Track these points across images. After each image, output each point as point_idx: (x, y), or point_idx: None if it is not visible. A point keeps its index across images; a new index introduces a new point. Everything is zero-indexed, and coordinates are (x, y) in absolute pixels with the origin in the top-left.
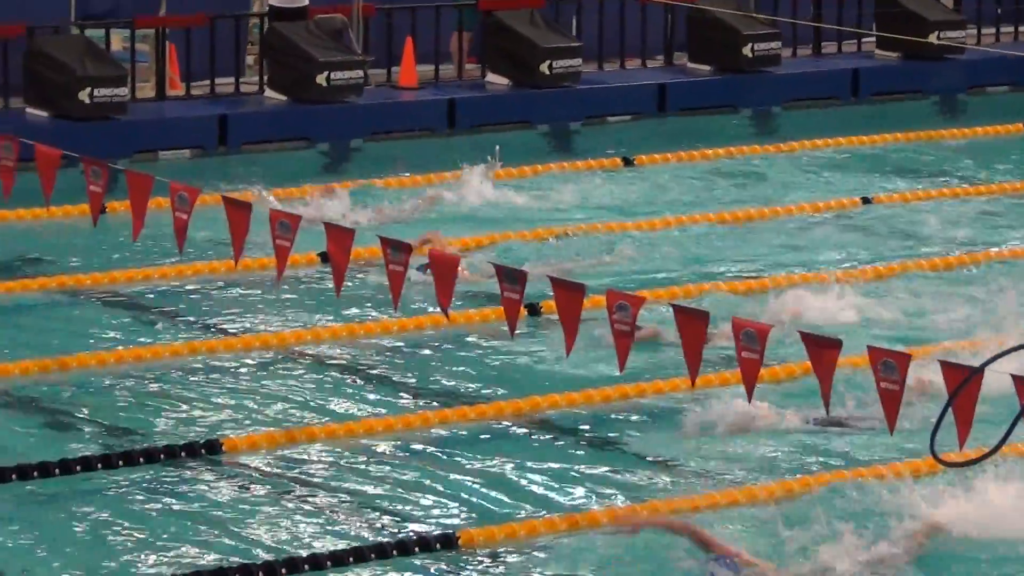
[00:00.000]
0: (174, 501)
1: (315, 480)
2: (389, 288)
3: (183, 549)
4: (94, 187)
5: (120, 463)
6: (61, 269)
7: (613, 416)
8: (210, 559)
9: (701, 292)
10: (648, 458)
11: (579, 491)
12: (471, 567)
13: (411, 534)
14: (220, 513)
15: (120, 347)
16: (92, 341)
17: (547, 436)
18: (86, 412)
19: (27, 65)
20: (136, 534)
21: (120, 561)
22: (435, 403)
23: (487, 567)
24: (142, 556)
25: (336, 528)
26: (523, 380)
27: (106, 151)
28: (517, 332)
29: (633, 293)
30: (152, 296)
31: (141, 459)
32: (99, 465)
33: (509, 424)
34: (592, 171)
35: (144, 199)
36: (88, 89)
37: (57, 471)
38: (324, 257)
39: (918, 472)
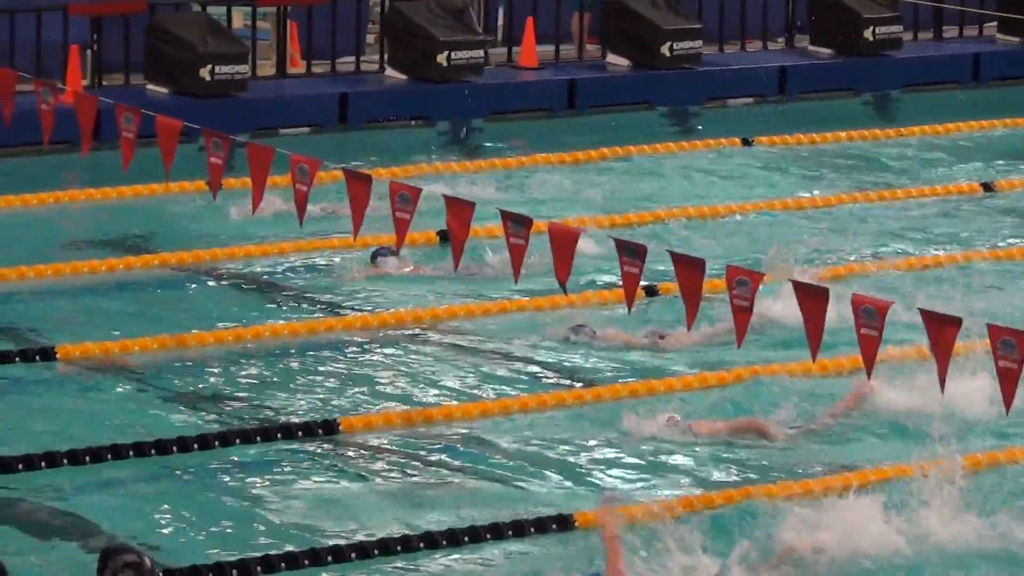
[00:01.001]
0: (290, 480)
1: (432, 460)
2: (510, 262)
3: (299, 527)
4: (215, 159)
5: (237, 441)
6: (179, 245)
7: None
8: (326, 538)
9: (815, 271)
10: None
11: (710, 471)
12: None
13: (526, 515)
14: (335, 493)
15: (238, 325)
16: (211, 319)
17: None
18: (203, 390)
19: (148, 42)
20: (255, 511)
21: (238, 537)
22: (553, 382)
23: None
24: (259, 532)
25: (450, 508)
26: (642, 361)
27: (226, 128)
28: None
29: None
30: (271, 273)
31: (258, 438)
32: (216, 443)
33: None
34: (711, 152)
35: (264, 172)
36: (209, 66)
37: (175, 448)
38: (443, 236)
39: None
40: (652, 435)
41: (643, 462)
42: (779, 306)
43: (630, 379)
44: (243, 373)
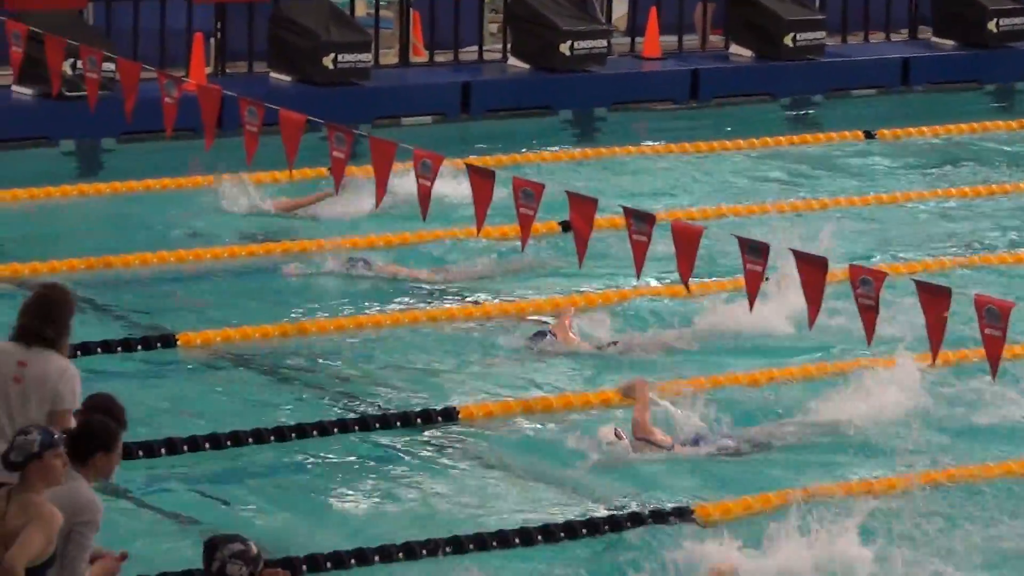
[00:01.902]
0: (410, 468)
1: (549, 450)
2: (633, 256)
3: (418, 515)
4: (337, 153)
5: (356, 428)
6: (301, 235)
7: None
8: (442, 528)
9: (939, 267)
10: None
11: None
12: (708, 539)
13: (644, 508)
14: (455, 481)
15: (359, 313)
16: (331, 307)
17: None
18: (323, 377)
19: (272, 30)
20: (373, 499)
21: (357, 525)
22: (668, 374)
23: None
24: (380, 521)
25: (564, 499)
26: (760, 347)
27: (348, 117)
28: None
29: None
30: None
31: (377, 424)
32: (335, 430)
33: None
34: (833, 144)
35: (387, 166)
36: (332, 55)
37: (293, 435)
38: (565, 226)
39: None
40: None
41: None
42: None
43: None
44: (364, 361)
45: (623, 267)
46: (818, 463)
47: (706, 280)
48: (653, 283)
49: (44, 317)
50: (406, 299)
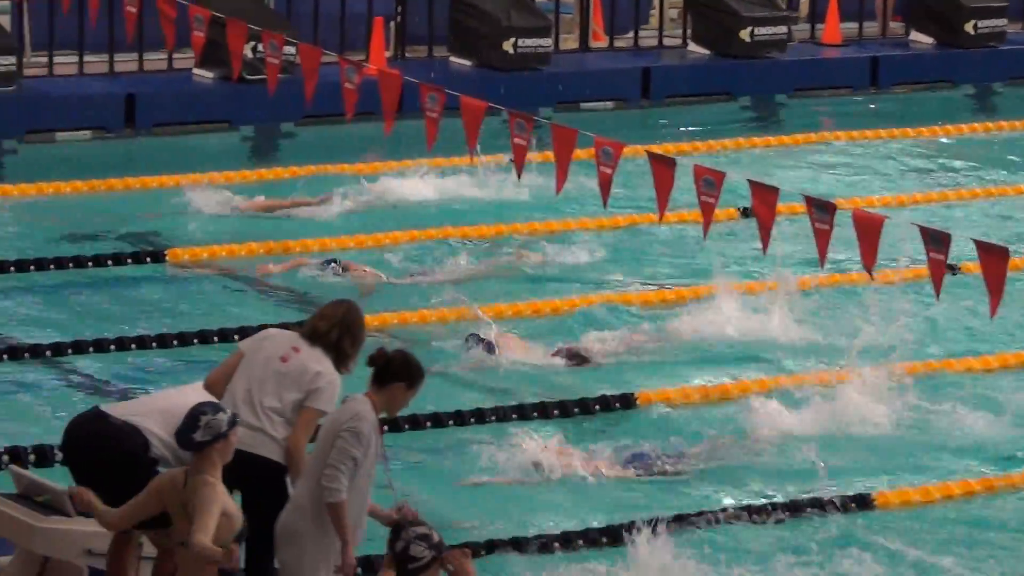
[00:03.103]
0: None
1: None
2: (816, 244)
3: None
4: (519, 140)
5: (535, 415)
6: (476, 220)
7: None
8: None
9: None
10: None
11: None
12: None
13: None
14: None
15: (536, 299)
16: (509, 293)
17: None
18: None
19: (453, 15)
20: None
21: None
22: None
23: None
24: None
25: (748, 485)
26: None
27: (528, 102)
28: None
29: None
30: (570, 250)
31: (555, 412)
32: (513, 416)
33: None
34: (1017, 132)
35: (568, 153)
36: (512, 39)
37: (472, 420)
38: (745, 212)
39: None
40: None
41: None
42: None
43: None
44: (534, 346)
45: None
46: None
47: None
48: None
49: (345, 331)
50: (577, 285)
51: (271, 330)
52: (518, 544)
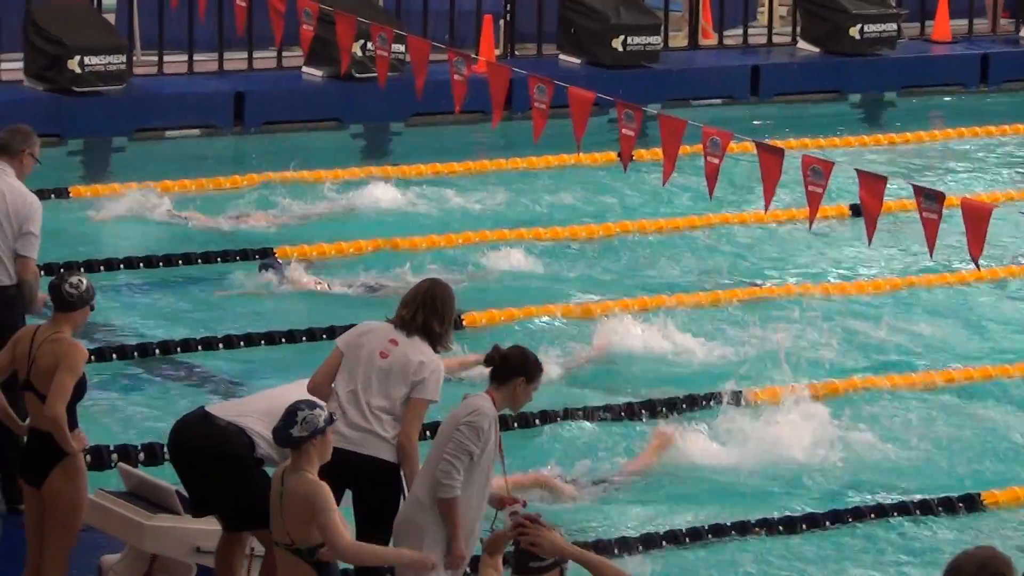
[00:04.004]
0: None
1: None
2: (924, 234)
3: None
4: (627, 130)
5: (643, 413)
6: (582, 216)
7: None
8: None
9: None
10: None
11: None
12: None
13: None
14: (751, 462)
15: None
16: (621, 287)
17: None
18: None
19: (561, 12)
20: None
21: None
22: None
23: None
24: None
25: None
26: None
27: (637, 99)
28: None
29: None
30: (679, 243)
31: (684, 406)
32: (622, 415)
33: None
34: None
35: (676, 144)
36: (622, 37)
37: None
38: (855, 210)
39: None
40: None
41: None
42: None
43: None
44: (651, 341)
45: None
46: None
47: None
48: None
49: (432, 312)
50: (693, 279)
51: (367, 323)
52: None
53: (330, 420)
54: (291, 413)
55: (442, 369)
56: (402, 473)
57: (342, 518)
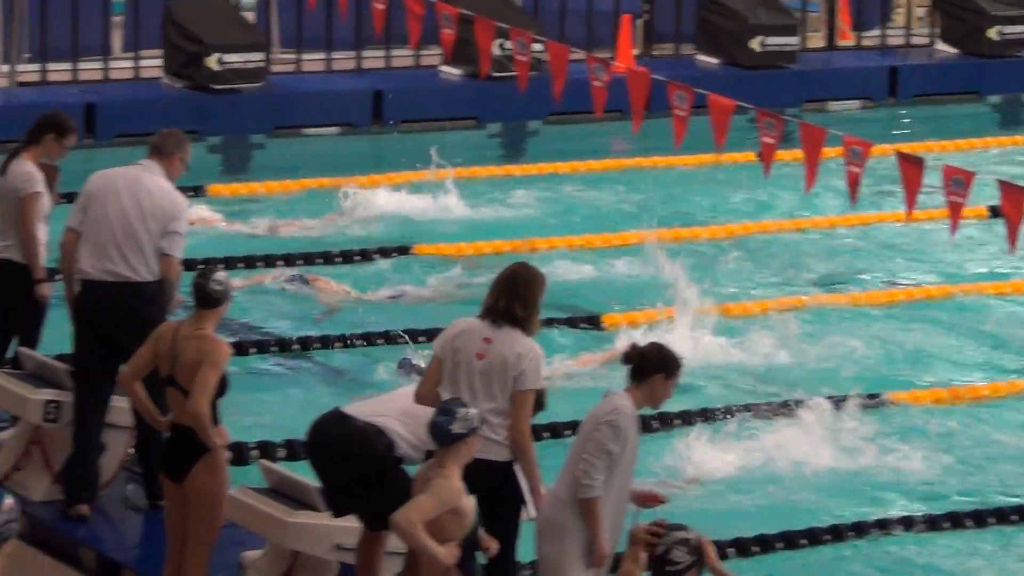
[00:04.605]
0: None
1: (976, 437)
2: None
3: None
4: (767, 138)
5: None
6: (722, 218)
7: None
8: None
9: None
10: None
11: None
12: None
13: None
14: (876, 465)
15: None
16: (759, 289)
17: None
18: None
19: (700, 13)
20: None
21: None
22: None
23: None
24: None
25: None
26: None
27: (775, 100)
28: None
29: None
30: (822, 247)
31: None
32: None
33: None
34: None
35: (817, 151)
36: (759, 38)
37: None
38: (994, 211)
39: None
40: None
41: None
42: None
43: None
44: (785, 342)
45: None
46: None
47: None
48: None
49: (513, 296)
50: (838, 285)
51: (458, 323)
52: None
53: (482, 420)
54: (449, 410)
55: (540, 354)
56: (516, 468)
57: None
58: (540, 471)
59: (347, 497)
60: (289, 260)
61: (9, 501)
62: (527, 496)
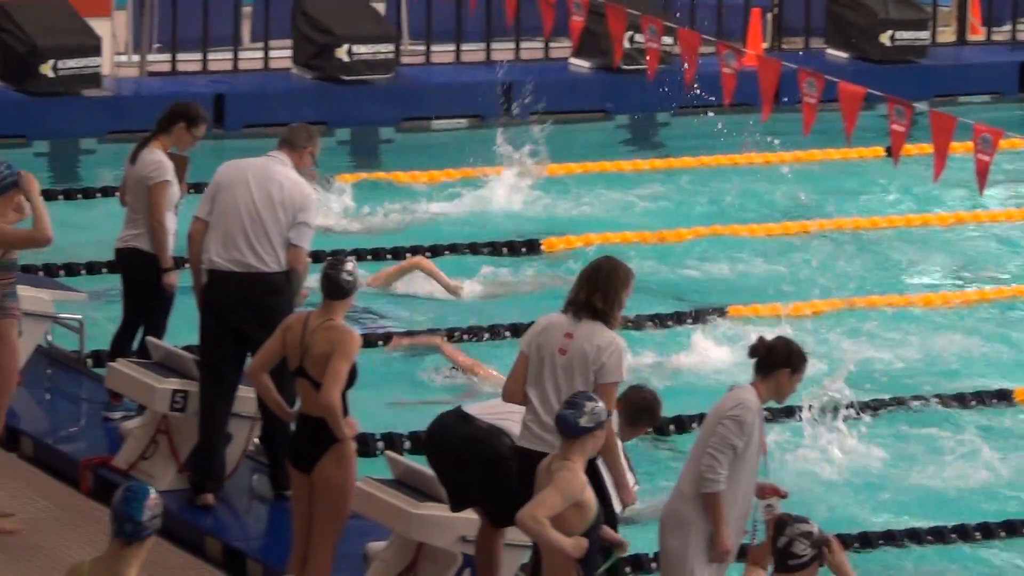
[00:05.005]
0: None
1: None
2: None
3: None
4: (897, 126)
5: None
6: (851, 211)
7: None
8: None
9: None
10: None
11: None
12: None
13: None
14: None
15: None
16: (871, 284)
17: None
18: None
19: (830, 7)
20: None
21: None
22: None
23: None
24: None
25: None
26: None
27: (904, 94)
28: None
29: None
30: (951, 239)
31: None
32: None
33: None
34: None
35: (946, 140)
36: (890, 32)
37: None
38: None
39: None
40: None
41: None
42: None
43: None
44: (909, 339)
45: None
46: None
47: None
48: None
49: (594, 288)
50: (963, 280)
51: (543, 319)
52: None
53: (608, 415)
54: (577, 403)
55: (621, 346)
56: (599, 463)
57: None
58: (626, 464)
59: (467, 494)
60: (416, 253)
61: (154, 495)
62: (611, 491)
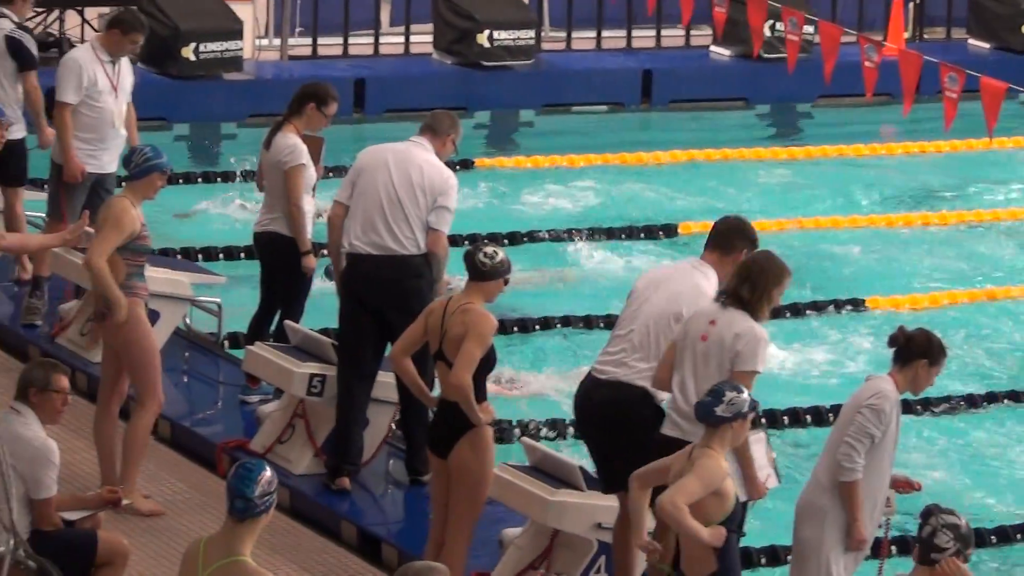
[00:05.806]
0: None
1: None
2: None
3: None
4: None
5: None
6: (988, 202)
7: None
8: None
9: None
10: None
11: None
12: None
13: None
14: None
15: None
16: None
17: None
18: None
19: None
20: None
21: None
22: None
23: None
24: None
25: None
26: None
27: None
28: None
29: None
30: None
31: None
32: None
33: None
34: None
35: None
36: None
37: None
38: None
39: None
40: None
41: None
42: None
43: None
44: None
45: None
46: None
47: None
48: None
49: (744, 279)
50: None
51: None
52: None
53: (753, 406)
54: (718, 392)
55: (759, 336)
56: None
57: None
58: (770, 463)
59: (620, 465)
60: (554, 236)
61: (267, 474)
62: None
